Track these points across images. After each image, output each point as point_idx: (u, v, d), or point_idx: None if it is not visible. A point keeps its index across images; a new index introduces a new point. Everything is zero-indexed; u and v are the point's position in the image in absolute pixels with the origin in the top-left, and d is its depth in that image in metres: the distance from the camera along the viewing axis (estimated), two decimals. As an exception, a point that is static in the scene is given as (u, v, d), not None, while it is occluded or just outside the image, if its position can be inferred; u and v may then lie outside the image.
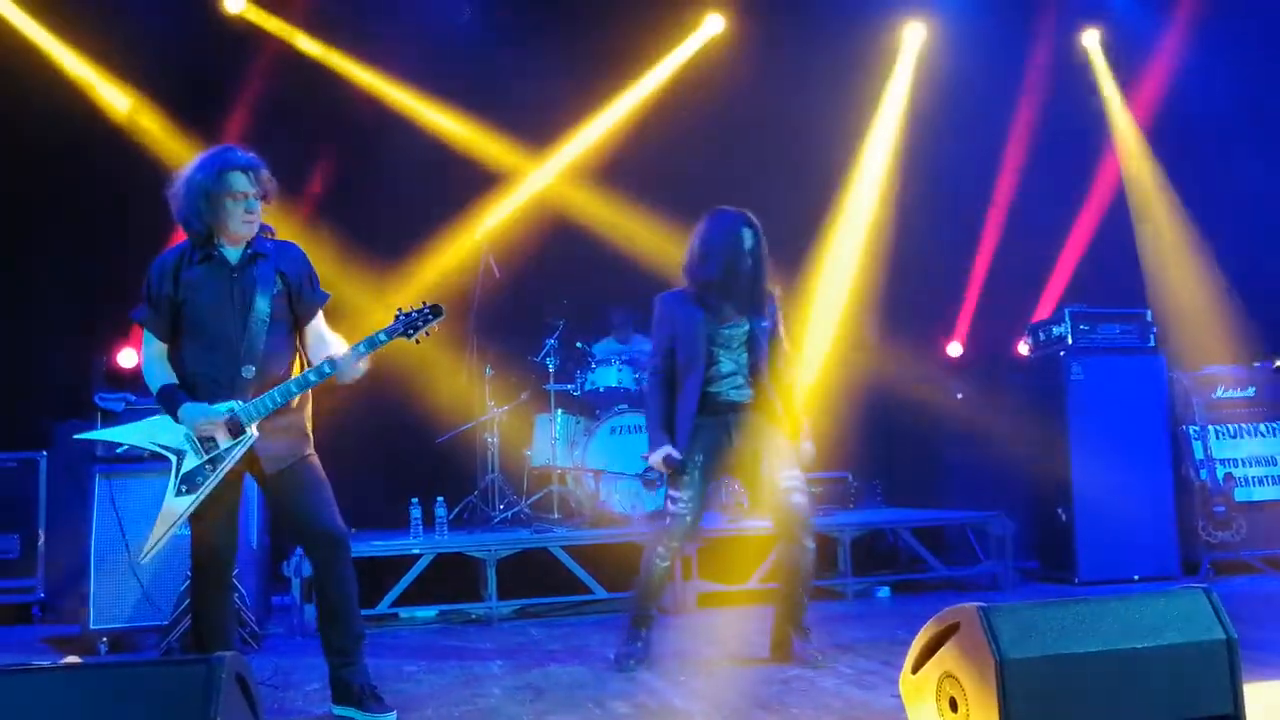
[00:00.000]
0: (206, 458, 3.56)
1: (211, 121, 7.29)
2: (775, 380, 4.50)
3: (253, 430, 3.58)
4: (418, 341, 3.74)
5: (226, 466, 3.56)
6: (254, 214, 3.63)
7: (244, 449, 3.58)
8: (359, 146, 7.62)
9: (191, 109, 7.31)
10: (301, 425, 3.75)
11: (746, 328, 4.45)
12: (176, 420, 3.56)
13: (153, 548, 3.56)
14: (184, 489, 3.55)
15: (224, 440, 3.57)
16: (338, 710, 3.70)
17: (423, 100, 8.01)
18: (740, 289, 4.42)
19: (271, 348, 3.67)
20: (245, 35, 7.63)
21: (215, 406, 3.55)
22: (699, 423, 4.39)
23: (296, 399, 3.68)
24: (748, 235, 4.43)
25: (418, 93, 7.98)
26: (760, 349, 4.44)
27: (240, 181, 3.56)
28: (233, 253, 3.66)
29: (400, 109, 7.97)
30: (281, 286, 3.72)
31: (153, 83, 7.32)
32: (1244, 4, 7.99)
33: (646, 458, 4.60)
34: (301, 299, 3.78)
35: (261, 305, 3.64)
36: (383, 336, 3.67)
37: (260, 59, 7.61)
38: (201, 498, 3.54)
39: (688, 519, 4.41)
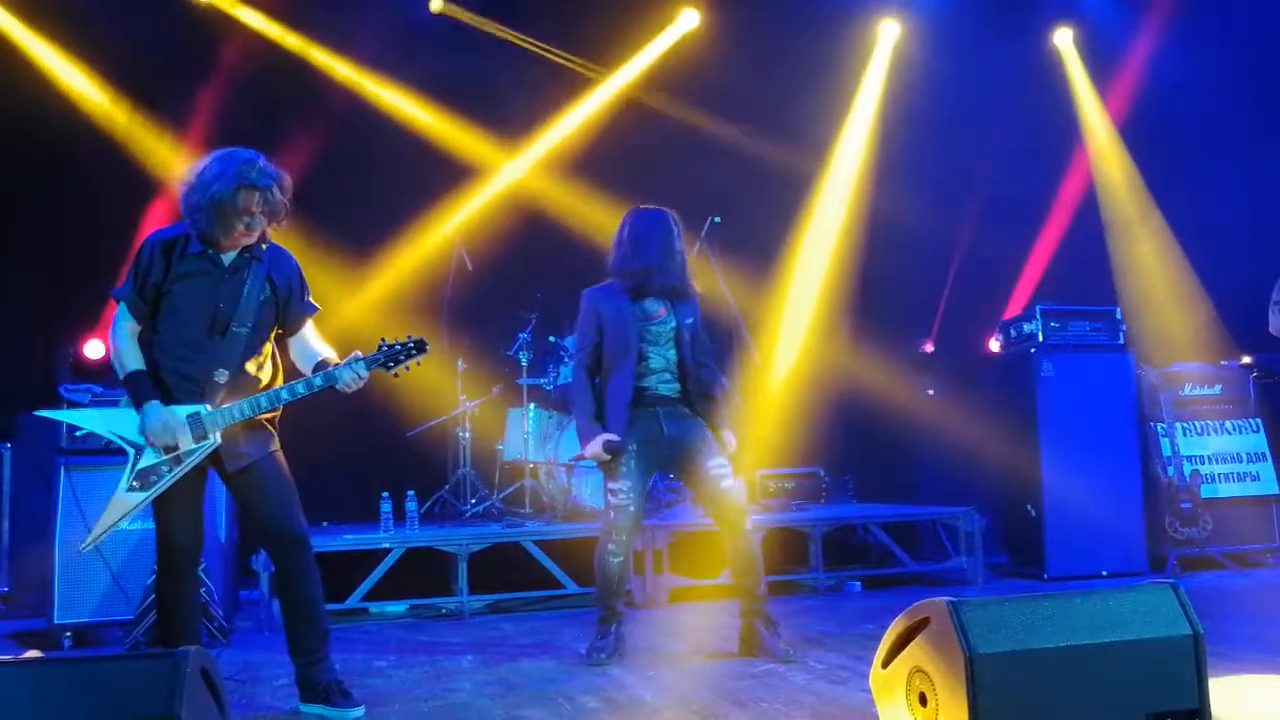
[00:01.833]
0: (165, 457, 3.51)
1: (181, 112, 7.21)
2: (699, 375, 4.56)
3: (215, 437, 3.54)
4: (396, 375, 3.67)
5: (183, 469, 3.52)
6: (254, 230, 3.57)
7: (204, 454, 3.54)
8: (330, 138, 7.54)
9: (161, 99, 7.22)
10: (266, 421, 3.71)
11: (673, 324, 4.53)
12: (138, 410, 3.51)
13: (95, 539, 3.53)
14: (136, 485, 3.50)
15: (184, 443, 3.52)
16: (305, 708, 3.67)
17: (394, 91, 7.94)
18: (670, 284, 4.50)
19: (249, 354, 3.64)
20: (216, 24, 7.54)
21: (178, 411, 3.51)
22: (632, 414, 4.42)
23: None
24: (675, 232, 4.52)
25: (389, 83, 7.92)
26: (685, 345, 4.53)
27: (253, 200, 3.50)
28: (227, 254, 3.62)
29: (372, 100, 7.90)
30: (270, 294, 3.68)
31: (122, 72, 7.22)
32: (1215, 3, 8.05)
33: (580, 457, 4.60)
34: (290, 308, 3.75)
35: (246, 310, 3.59)
36: (362, 366, 3.59)
37: (230, 49, 7.52)
38: (152, 496, 3.50)
39: (631, 509, 4.42)
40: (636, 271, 4.48)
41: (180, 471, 3.51)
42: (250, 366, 3.66)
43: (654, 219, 4.53)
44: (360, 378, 3.59)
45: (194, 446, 3.52)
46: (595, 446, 4.41)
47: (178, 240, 3.59)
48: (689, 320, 4.56)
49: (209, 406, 3.54)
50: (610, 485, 4.46)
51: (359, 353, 3.62)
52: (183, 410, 3.52)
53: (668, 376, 4.52)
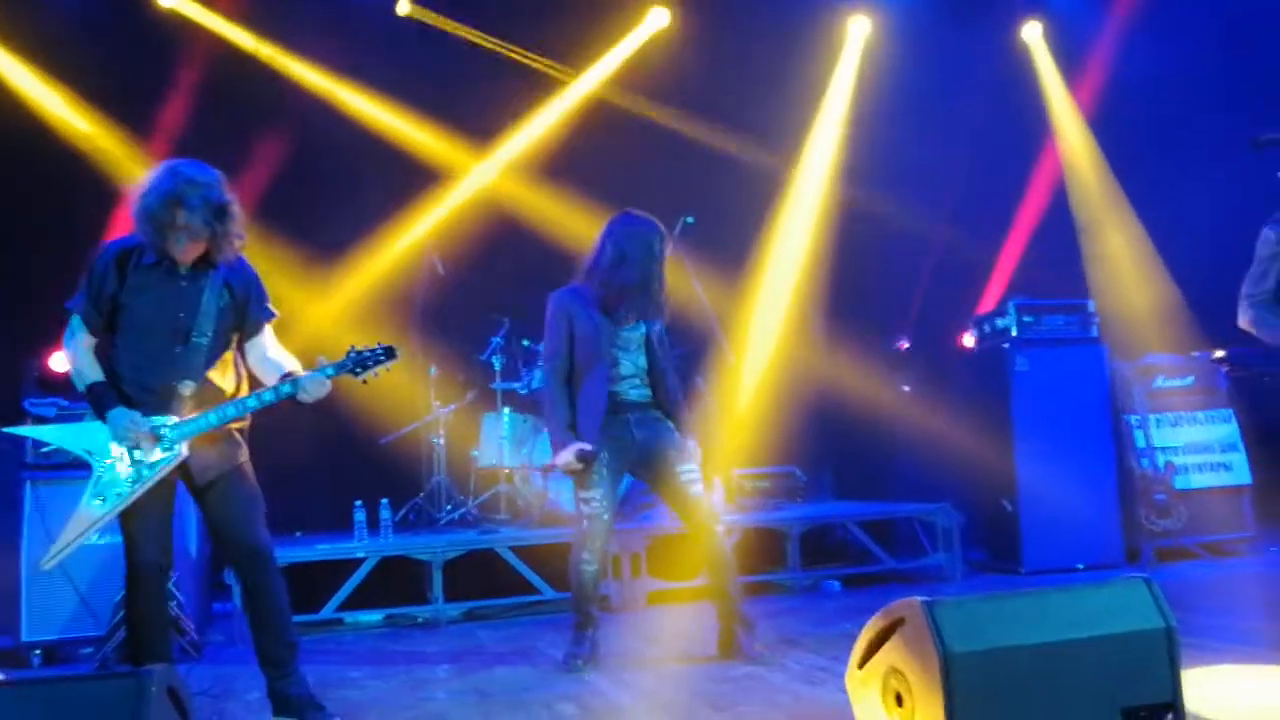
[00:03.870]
0: (130, 469, 3.45)
1: (145, 117, 7.13)
2: (666, 381, 4.55)
3: (183, 449, 3.48)
4: (364, 381, 3.64)
5: (149, 482, 3.45)
6: (197, 243, 3.49)
7: (171, 466, 3.48)
8: (299, 143, 7.47)
9: (125, 105, 7.13)
10: (235, 431, 3.65)
11: (643, 330, 4.52)
12: (104, 421, 3.46)
13: (58, 554, 3.47)
14: (100, 498, 3.44)
15: (151, 454, 3.46)
16: None
17: (363, 94, 7.87)
18: (649, 295, 4.47)
19: (211, 364, 3.58)
20: (180, 30, 7.45)
21: (145, 418, 3.45)
22: (604, 421, 4.40)
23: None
24: (660, 244, 4.49)
25: (358, 87, 7.85)
26: (654, 351, 4.53)
27: (183, 216, 3.41)
28: (183, 263, 3.55)
29: (340, 104, 7.83)
30: (229, 300, 3.62)
31: (84, 79, 7.12)
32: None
33: (551, 465, 4.56)
34: (248, 315, 3.69)
35: (206, 319, 3.53)
36: (330, 371, 3.56)
37: (195, 54, 7.44)
38: (117, 510, 3.45)
39: (604, 518, 4.41)
40: (617, 287, 4.43)
41: (146, 484, 3.45)
42: (214, 376, 3.61)
43: (643, 236, 4.45)
44: (324, 385, 3.56)
45: (160, 459, 3.47)
46: (567, 456, 4.38)
47: (132, 251, 3.53)
48: (657, 327, 4.56)
49: (175, 418, 3.48)
50: (582, 494, 4.43)
51: (324, 359, 3.59)
52: (150, 420, 3.46)
53: (638, 382, 4.51)
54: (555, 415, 4.47)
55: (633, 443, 4.45)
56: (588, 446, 4.36)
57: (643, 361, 4.52)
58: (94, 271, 3.52)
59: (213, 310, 3.56)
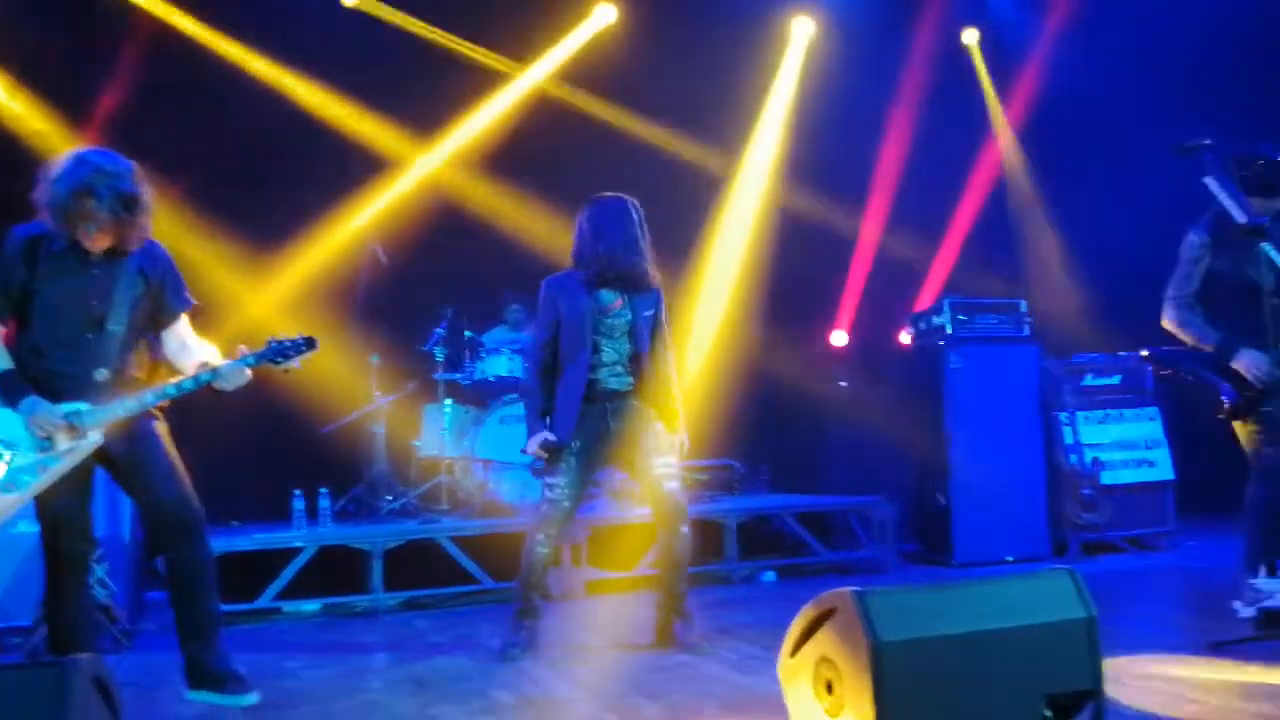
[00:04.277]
0: (40, 457, 3.40)
1: (83, 102, 6.99)
2: (655, 369, 4.52)
3: (96, 435, 3.44)
4: (285, 371, 3.65)
5: (61, 469, 3.41)
6: (106, 233, 3.44)
7: (85, 452, 3.44)
8: (241, 131, 7.37)
9: (63, 88, 6.98)
10: (151, 408, 3.61)
11: (629, 317, 4.48)
12: (14, 410, 3.40)
13: None
14: (9, 487, 3.38)
15: (63, 441, 3.41)
16: (193, 695, 3.58)
17: (307, 83, 7.79)
18: (631, 274, 4.44)
19: (126, 351, 3.55)
20: (122, 14, 7.31)
21: (58, 406, 3.40)
22: (581, 409, 4.40)
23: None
24: (636, 219, 4.48)
25: (301, 75, 7.76)
26: (641, 338, 4.49)
27: (91, 205, 3.37)
28: (95, 251, 3.50)
29: (284, 92, 7.73)
30: (144, 288, 3.59)
31: (22, 60, 6.96)
32: (1115, 5, 8.29)
33: (525, 451, 4.57)
34: (164, 303, 3.66)
35: (120, 306, 3.50)
36: (250, 361, 3.56)
37: (137, 38, 7.30)
38: (27, 497, 3.40)
39: (565, 505, 4.42)
40: (596, 259, 4.42)
41: (57, 471, 3.40)
42: (130, 363, 3.58)
43: (615, 206, 4.48)
44: (243, 374, 3.56)
45: (73, 445, 3.42)
46: (534, 445, 4.42)
47: (41, 238, 3.47)
48: (647, 313, 4.51)
49: (89, 405, 3.44)
50: (548, 479, 4.45)
51: (244, 348, 3.58)
52: (63, 408, 3.42)
53: (619, 369, 4.48)
54: (532, 402, 4.51)
55: (608, 433, 4.44)
56: (552, 437, 4.37)
57: (626, 348, 4.48)
58: (3, 259, 3.47)
59: (127, 298, 3.52)
